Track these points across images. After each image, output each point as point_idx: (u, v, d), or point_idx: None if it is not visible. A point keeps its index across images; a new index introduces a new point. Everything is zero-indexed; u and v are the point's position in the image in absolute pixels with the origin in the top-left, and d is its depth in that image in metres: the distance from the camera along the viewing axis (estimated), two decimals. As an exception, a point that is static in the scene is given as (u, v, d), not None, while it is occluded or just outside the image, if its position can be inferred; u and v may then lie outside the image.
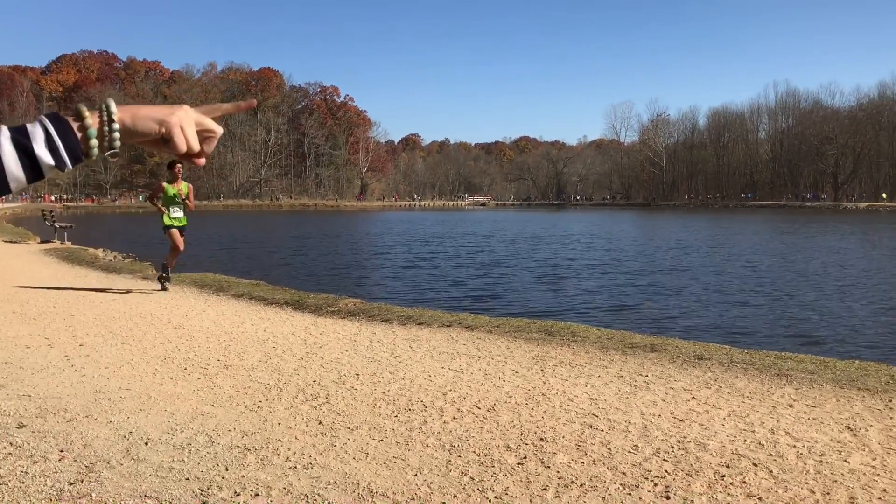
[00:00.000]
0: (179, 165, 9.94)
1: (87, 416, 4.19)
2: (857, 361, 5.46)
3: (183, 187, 10.07)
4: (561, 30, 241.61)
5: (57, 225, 24.07)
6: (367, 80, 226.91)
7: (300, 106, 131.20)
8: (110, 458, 3.50)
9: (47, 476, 3.28)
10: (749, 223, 49.64)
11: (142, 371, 5.40)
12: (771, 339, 9.42)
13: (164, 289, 10.20)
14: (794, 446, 3.63)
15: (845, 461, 3.42)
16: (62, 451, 3.60)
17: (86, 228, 37.53)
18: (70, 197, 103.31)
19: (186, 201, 10.10)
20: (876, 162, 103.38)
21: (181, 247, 10.10)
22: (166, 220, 10.00)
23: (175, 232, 10.02)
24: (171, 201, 9.99)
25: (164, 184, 10.12)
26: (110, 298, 9.61)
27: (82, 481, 3.23)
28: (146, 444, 3.72)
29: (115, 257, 18.39)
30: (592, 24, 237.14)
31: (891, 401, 4.40)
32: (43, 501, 3.03)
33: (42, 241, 22.89)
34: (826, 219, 56.34)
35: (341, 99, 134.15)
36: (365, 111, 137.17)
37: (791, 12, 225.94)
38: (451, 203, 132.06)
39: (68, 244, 21.66)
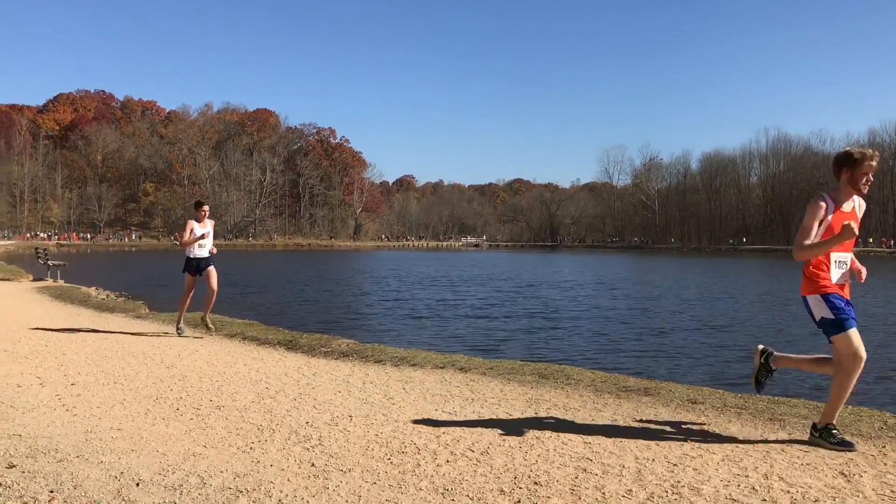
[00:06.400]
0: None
1: (77, 457, 4.15)
2: (850, 407, 5.46)
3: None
4: (555, 74, 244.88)
5: (50, 263, 24.06)
6: (363, 122, 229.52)
7: (296, 147, 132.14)
8: (101, 499, 3.46)
9: (37, 517, 3.24)
10: (744, 268, 49.74)
11: (133, 411, 5.36)
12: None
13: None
14: (789, 492, 3.62)
15: (839, 507, 3.41)
16: (52, 491, 3.56)
17: (78, 266, 37.47)
18: (64, 234, 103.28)
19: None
20: (867, 208, 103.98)
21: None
22: None
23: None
24: None
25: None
26: (102, 337, 9.57)
27: (72, 523, 3.20)
28: (137, 484, 3.69)
29: (107, 296, 18.36)
30: (587, 69, 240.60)
31: (884, 447, 4.40)
32: (32, 543, 2.99)
33: (35, 279, 22.83)
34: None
35: (337, 140, 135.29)
36: (360, 152, 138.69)
37: (783, 60, 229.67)
38: (444, 244, 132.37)
39: (61, 282, 21.61)
